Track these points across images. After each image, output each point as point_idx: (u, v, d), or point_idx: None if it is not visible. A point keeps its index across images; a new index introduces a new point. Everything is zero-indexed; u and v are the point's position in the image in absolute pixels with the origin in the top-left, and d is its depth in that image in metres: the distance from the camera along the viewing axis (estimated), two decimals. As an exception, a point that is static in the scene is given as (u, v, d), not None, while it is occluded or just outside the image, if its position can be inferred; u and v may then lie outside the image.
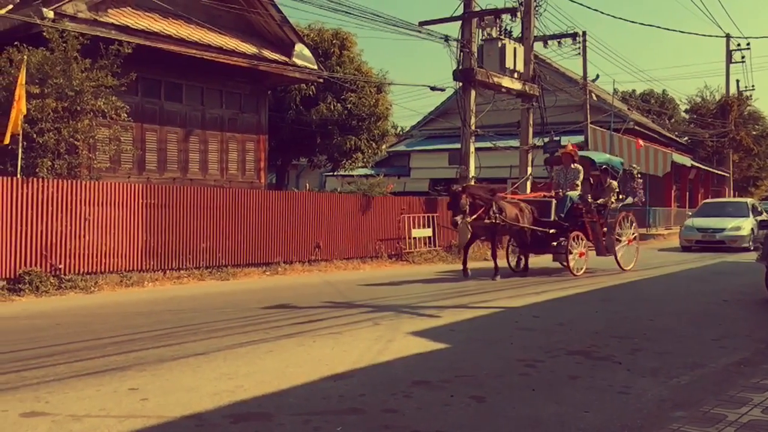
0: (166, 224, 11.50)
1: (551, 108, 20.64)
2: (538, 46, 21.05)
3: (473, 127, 17.36)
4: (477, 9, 17.53)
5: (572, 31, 22.26)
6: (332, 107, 19.39)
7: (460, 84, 17.84)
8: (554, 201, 12.78)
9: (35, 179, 10.07)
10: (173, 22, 13.80)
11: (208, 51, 13.98)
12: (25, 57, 10.26)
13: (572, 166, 13.24)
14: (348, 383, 4.89)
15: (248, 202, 12.85)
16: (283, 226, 13.31)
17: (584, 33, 23.80)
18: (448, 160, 28.03)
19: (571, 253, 12.36)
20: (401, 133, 37.95)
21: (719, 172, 38.36)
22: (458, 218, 11.23)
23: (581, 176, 13.12)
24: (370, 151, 21.08)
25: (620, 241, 13.58)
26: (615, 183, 13.62)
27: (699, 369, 5.47)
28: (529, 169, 19.33)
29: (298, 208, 13.69)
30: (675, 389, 4.88)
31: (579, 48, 23.40)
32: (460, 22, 17.65)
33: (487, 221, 11.66)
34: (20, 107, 9.71)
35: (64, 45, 10.73)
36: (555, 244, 12.77)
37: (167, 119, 14.60)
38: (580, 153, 14.11)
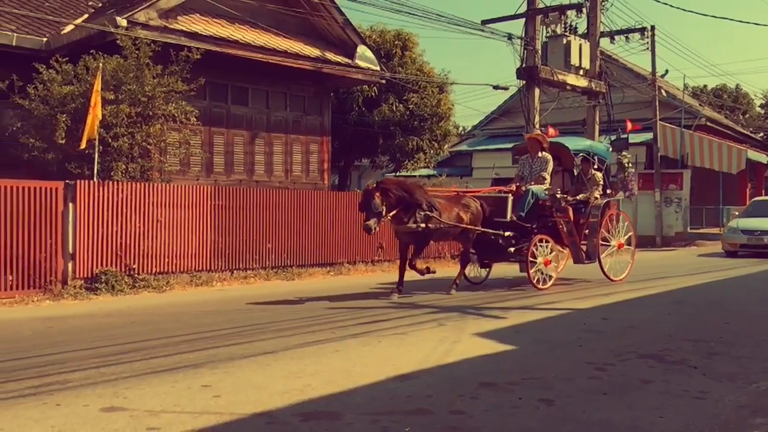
0: (233, 225, 11.77)
1: (618, 105, 20.20)
2: (604, 42, 20.65)
3: (537, 126, 17.13)
4: (541, 6, 17.31)
5: (640, 26, 21.73)
6: (394, 108, 19.45)
7: (524, 82, 17.66)
8: (510, 197, 10.46)
9: (111, 182, 10.46)
10: (240, 28, 14.10)
11: (273, 55, 14.23)
12: (101, 64, 10.66)
13: (539, 154, 10.82)
14: (414, 384, 4.89)
15: (312, 203, 13.02)
16: (346, 226, 13.42)
17: (653, 27, 23.13)
18: (511, 160, 27.68)
19: (533, 260, 10.12)
20: (463, 132, 37.72)
21: (798, 169, 36.68)
22: (371, 222, 8.94)
23: (550, 167, 10.77)
24: (432, 151, 21.05)
25: (608, 245, 11.37)
26: (599, 174, 11.40)
27: (780, 375, 5.25)
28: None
29: (361, 209, 13.76)
30: (754, 395, 4.69)
31: (647, 43, 22.76)
32: (523, 20, 17.46)
33: (412, 225, 9.38)
34: (96, 113, 10.09)
35: (136, 52, 11.10)
36: (512, 249, 10.31)
37: (234, 122, 14.93)
38: (554, 139, 11.81)
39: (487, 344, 6.28)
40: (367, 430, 3.93)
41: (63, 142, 10.48)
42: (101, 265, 10.09)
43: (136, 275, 10.35)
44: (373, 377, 5.04)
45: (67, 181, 10.00)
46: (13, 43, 12.14)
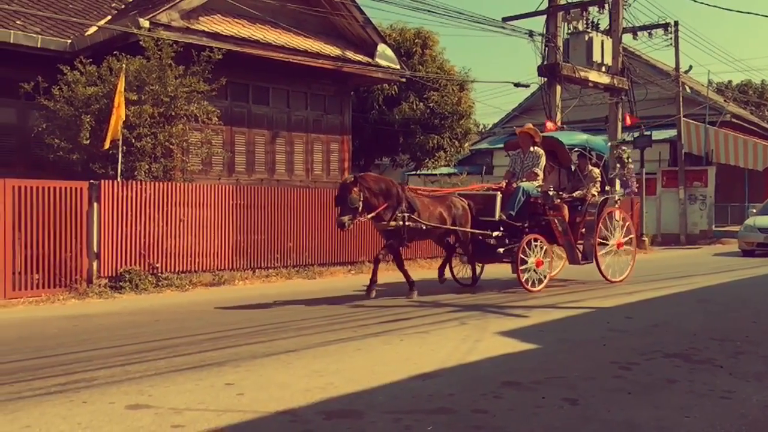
0: (254, 224, 11.83)
1: (641, 101, 20.00)
2: (627, 38, 20.42)
3: (559, 123, 17.01)
4: (563, 2, 17.20)
5: (663, 22, 21.45)
6: (414, 106, 19.45)
7: (545, 79, 17.56)
8: (499, 194, 9.92)
9: (134, 182, 10.56)
10: (260, 28, 14.17)
11: (294, 54, 14.28)
12: (124, 65, 10.77)
13: (531, 149, 10.23)
14: (436, 383, 4.89)
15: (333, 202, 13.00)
16: (367, 225, 13.34)
17: (676, 23, 22.86)
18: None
19: (524, 261, 9.58)
20: (484, 130, 37.58)
21: (826, 166, 36.00)
22: (345, 218, 8.60)
23: (542, 162, 10.16)
24: (452, 149, 21.01)
25: (606, 244, 10.78)
26: (597, 170, 10.87)
27: (809, 375, 5.16)
28: (618, 166, 18.75)
29: (382, 208, 13.75)
30: (783, 395, 4.62)
31: (671, 39, 22.49)
32: (544, 17, 17.37)
33: (392, 224, 9.01)
34: (119, 113, 10.19)
35: (159, 53, 11.19)
36: (502, 250, 9.76)
37: (255, 122, 15.01)
38: (547, 134, 11.16)
39: (509, 343, 6.25)
40: (390, 428, 3.93)
41: (87, 142, 10.60)
42: (125, 264, 10.20)
43: (159, 274, 10.44)
44: (395, 376, 5.03)
45: (91, 181, 10.11)
46: (38, 45, 12.31)
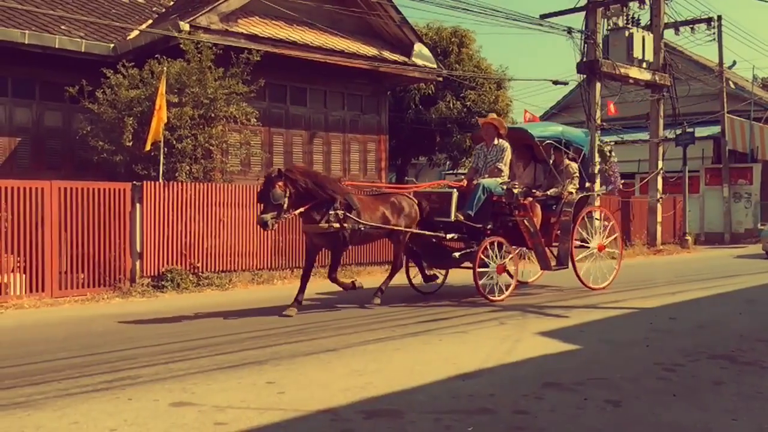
0: (293, 224, 11.87)
1: (683, 98, 19.58)
2: (668, 34, 20.02)
3: (599, 121, 16.82)
4: (602, -2, 16.97)
5: (706, 16, 20.99)
6: (451, 105, 19.36)
7: (584, 77, 17.34)
8: (455, 192, 8.90)
9: (175, 183, 10.73)
10: (298, 29, 14.27)
11: (331, 55, 14.34)
12: (165, 68, 10.94)
13: (495, 142, 9.20)
14: (476, 383, 4.86)
15: (371, 201, 13.03)
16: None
17: (719, 17, 22.35)
18: (571, 156, 27.17)
19: (484, 267, 8.60)
20: (521, 129, 37.27)
21: None
22: (268, 216, 7.58)
23: (507, 156, 9.08)
24: (490, 148, 20.85)
25: (586, 247, 9.93)
26: (574, 165, 9.90)
27: None
28: (660, 163, 18.43)
29: (419, 207, 13.72)
30: (835, 399, 4.48)
31: (714, 33, 21.99)
32: (583, 13, 17.16)
33: (324, 225, 8.00)
34: (161, 116, 10.36)
35: (199, 55, 11.35)
36: (458, 255, 8.87)
37: (293, 123, 15.12)
38: (513, 126, 10.09)
39: (550, 343, 6.19)
40: (430, 428, 3.92)
41: (130, 144, 10.80)
42: (167, 263, 10.37)
43: (200, 273, 10.60)
44: (434, 376, 5.03)
45: (134, 182, 10.31)
46: (82, 50, 12.57)
